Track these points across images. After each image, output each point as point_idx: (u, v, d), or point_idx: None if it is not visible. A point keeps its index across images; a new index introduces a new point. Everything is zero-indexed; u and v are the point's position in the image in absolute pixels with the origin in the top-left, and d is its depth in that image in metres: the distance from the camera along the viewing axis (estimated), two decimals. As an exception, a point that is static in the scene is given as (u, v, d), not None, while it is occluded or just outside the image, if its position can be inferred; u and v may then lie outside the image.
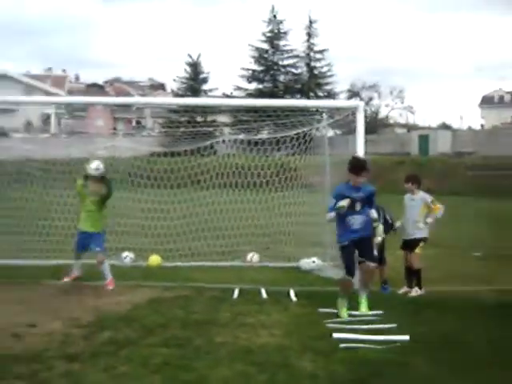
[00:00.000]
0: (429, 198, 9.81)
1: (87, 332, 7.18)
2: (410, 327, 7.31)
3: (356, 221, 8.19)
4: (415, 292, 9.56)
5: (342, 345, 6.64)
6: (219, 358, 6.26)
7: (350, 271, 8.24)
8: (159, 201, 14.87)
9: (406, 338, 6.88)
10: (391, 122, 79.00)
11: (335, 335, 6.98)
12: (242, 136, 19.61)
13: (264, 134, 16.81)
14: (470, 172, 37.54)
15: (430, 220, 9.68)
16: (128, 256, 12.50)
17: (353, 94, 72.03)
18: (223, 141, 17.61)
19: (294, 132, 13.48)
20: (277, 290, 9.66)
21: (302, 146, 13.42)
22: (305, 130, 13.38)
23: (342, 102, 30.55)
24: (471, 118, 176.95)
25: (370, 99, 74.98)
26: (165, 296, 9.25)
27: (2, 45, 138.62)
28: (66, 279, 10.07)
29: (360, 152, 9.92)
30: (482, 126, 78.96)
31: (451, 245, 14.69)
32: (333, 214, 8.25)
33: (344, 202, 8.02)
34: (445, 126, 71.70)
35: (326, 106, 14.59)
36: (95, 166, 10.10)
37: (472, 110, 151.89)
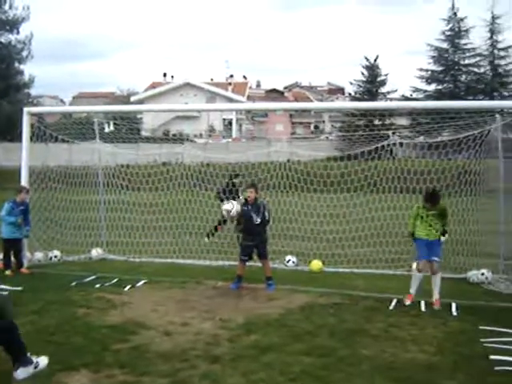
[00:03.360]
0: None
1: (234, 334, 7.31)
2: None
3: None
4: None
5: (498, 367, 6.04)
6: (360, 371, 6.02)
7: None
8: (334, 205, 14.75)
9: None
10: None
11: (492, 356, 6.37)
12: (421, 138, 18.86)
13: (444, 137, 15.99)
14: None
15: None
16: (291, 260, 12.61)
17: (543, 92, 65.61)
18: (401, 144, 17.10)
19: (474, 133, 12.64)
20: (438, 302, 9.09)
21: (482, 148, 12.50)
22: (483, 131, 12.48)
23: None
24: None
25: None
26: (319, 302, 9.12)
27: (188, 56, 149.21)
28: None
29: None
30: None
31: None
32: None
33: None
34: None
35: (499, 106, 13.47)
36: None
37: None
